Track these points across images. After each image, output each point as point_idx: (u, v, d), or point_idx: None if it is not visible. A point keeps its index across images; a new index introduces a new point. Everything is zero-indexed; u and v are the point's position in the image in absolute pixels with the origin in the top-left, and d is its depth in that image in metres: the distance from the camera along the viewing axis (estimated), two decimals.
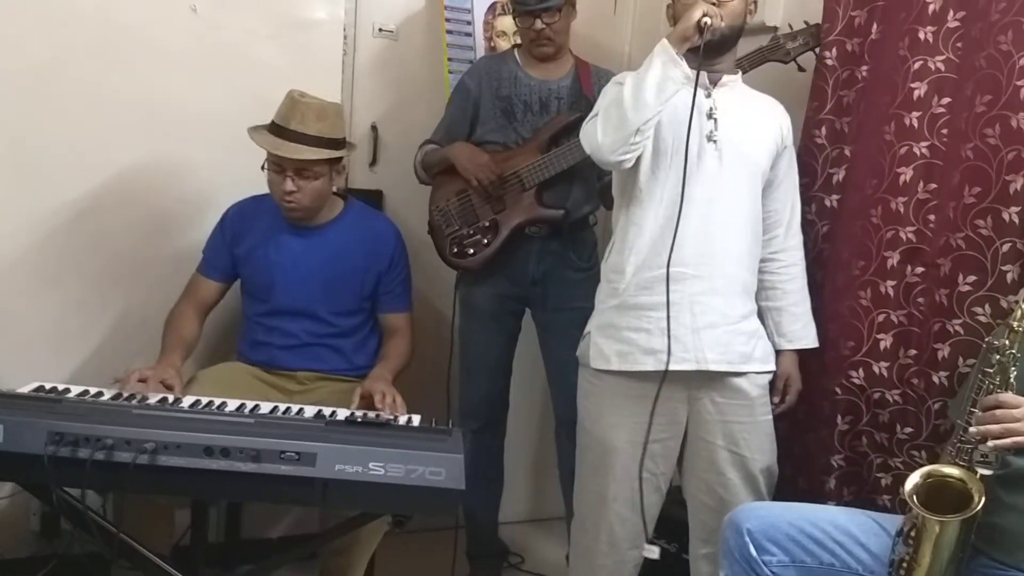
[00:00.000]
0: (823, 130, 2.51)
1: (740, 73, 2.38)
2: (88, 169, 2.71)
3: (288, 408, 2.20)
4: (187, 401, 2.19)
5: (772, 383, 2.36)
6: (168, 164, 2.80)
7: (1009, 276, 2.06)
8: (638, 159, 2.24)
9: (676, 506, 2.53)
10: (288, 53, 2.86)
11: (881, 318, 2.32)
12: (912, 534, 1.76)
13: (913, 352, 2.26)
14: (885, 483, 2.36)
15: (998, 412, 1.67)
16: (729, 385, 2.28)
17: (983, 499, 1.69)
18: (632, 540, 2.37)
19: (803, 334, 2.38)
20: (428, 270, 2.97)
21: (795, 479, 2.55)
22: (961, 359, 2.14)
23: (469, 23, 3.19)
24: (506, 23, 3.19)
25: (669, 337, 2.21)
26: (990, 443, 1.68)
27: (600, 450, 2.35)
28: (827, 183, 2.50)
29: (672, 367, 2.22)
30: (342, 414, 2.16)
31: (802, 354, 2.40)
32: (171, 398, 2.21)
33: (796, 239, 2.40)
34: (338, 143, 2.51)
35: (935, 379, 2.19)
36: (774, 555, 1.93)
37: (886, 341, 2.31)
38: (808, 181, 2.51)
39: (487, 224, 2.81)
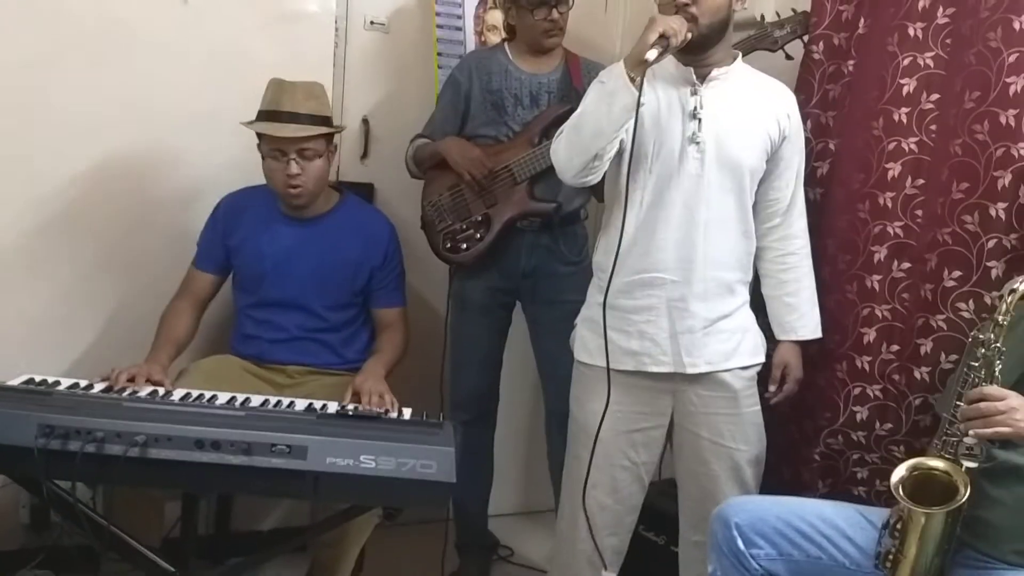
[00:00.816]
0: (808, 123, 2.51)
1: (736, 60, 2.30)
2: (78, 162, 2.70)
3: (279, 401, 2.20)
4: (178, 394, 2.19)
5: (764, 372, 2.36)
6: (158, 157, 2.79)
7: (994, 272, 2.08)
8: (618, 163, 2.24)
9: (664, 498, 2.55)
10: (279, 45, 2.85)
11: (866, 312, 2.33)
12: (898, 526, 1.78)
13: (896, 347, 2.28)
14: (861, 476, 2.38)
15: (982, 405, 1.69)
16: (713, 380, 2.29)
17: (968, 491, 1.71)
18: (611, 527, 2.39)
19: (798, 325, 2.36)
20: (420, 264, 2.97)
21: (779, 468, 2.57)
22: (943, 355, 2.16)
23: (459, 17, 3.19)
24: (496, 17, 3.19)
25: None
26: (971, 432, 1.70)
27: (584, 436, 2.37)
28: (812, 176, 2.51)
29: (650, 369, 2.28)
30: (333, 407, 2.16)
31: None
32: (162, 391, 2.20)
33: (796, 227, 2.36)
34: (330, 120, 2.54)
35: (916, 375, 2.21)
36: (762, 548, 1.95)
37: (870, 335, 2.32)
38: None
39: (479, 218, 2.81)
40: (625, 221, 2.24)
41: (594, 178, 2.22)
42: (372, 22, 3.14)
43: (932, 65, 2.25)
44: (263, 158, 2.50)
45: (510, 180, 2.77)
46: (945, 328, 2.15)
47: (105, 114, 2.70)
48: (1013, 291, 1.76)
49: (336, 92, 3.04)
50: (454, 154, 2.79)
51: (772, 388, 2.38)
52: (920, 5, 2.26)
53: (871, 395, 2.31)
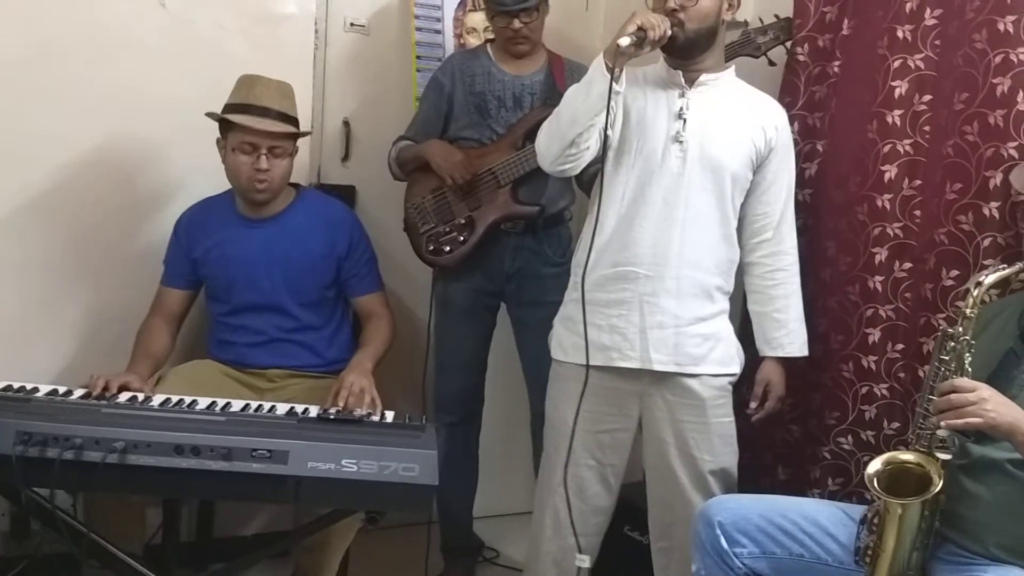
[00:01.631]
0: (795, 125, 2.52)
1: (725, 71, 2.33)
2: (56, 163, 2.68)
3: (260, 406, 2.19)
4: (157, 400, 2.17)
5: (738, 386, 2.36)
6: (137, 159, 2.78)
7: None
8: (603, 158, 2.25)
9: (635, 490, 2.55)
10: (259, 47, 2.84)
11: (870, 313, 2.34)
12: (875, 521, 1.79)
13: (900, 346, 2.29)
14: None
15: (953, 396, 1.70)
16: (680, 384, 2.29)
17: (942, 481, 1.72)
18: (577, 526, 2.37)
19: (785, 342, 2.34)
20: (403, 267, 2.96)
21: (774, 469, 2.57)
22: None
23: (439, 19, 3.18)
24: (476, 19, 3.18)
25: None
26: (942, 423, 1.71)
27: (554, 435, 2.39)
28: (800, 177, 2.51)
29: (618, 364, 2.28)
30: (314, 411, 2.15)
31: None
32: (141, 397, 2.19)
33: (786, 243, 2.35)
34: (298, 123, 2.53)
35: (921, 373, 2.22)
36: (745, 547, 1.95)
37: (874, 335, 2.34)
38: None
39: (463, 221, 2.80)
40: (604, 215, 2.26)
41: (571, 168, 2.24)
42: (352, 24, 3.13)
43: (923, 67, 2.26)
44: (228, 154, 2.48)
45: (494, 183, 2.77)
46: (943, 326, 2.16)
47: (83, 117, 2.68)
48: (979, 284, 1.78)
49: (316, 94, 3.03)
50: (437, 158, 2.78)
51: (753, 405, 2.37)
52: (908, 7, 2.27)
53: (878, 394, 2.33)
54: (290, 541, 2.67)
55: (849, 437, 2.40)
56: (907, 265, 2.28)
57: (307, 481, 1.88)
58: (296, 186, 2.69)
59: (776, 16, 2.60)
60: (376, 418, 2.20)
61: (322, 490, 1.90)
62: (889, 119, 2.30)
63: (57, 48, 2.63)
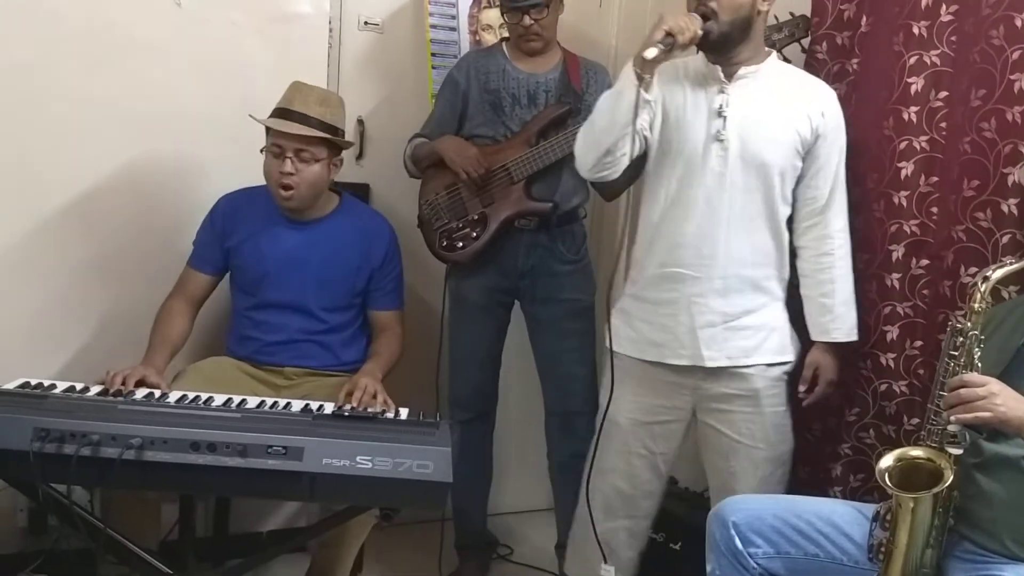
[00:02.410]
0: None
1: (765, 60, 2.28)
2: (73, 166, 2.69)
3: (275, 402, 2.20)
4: (173, 396, 2.18)
5: (792, 372, 2.35)
6: (153, 159, 2.79)
7: None
8: (644, 158, 2.27)
9: (665, 496, 2.55)
10: (273, 47, 2.85)
11: (887, 310, 2.33)
12: (888, 517, 1.79)
13: (919, 343, 2.28)
14: None
15: (963, 391, 1.70)
16: (733, 376, 2.29)
17: (953, 474, 1.72)
18: (627, 510, 2.42)
19: (831, 327, 2.31)
20: (417, 263, 2.96)
21: (795, 467, 2.56)
22: None
23: (454, 17, 3.19)
24: (491, 16, 3.19)
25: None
26: (952, 418, 1.71)
27: (606, 423, 2.40)
28: None
29: (670, 361, 2.30)
30: (329, 408, 2.16)
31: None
32: (157, 393, 2.20)
33: (833, 226, 2.30)
34: (338, 131, 2.52)
35: None
36: (759, 547, 1.95)
37: (892, 333, 2.33)
38: None
39: (476, 217, 2.81)
40: (649, 215, 2.28)
41: (610, 174, 2.24)
42: (366, 23, 3.14)
43: (939, 63, 2.24)
44: (265, 155, 2.49)
45: (507, 179, 2.77)
46: (952, 322, 2.15)
47: (100, 117, 2.69)
48: (986, 278, 1.78)
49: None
50: (451, 153, 2.78)
51: (802, 388, 2.35)
52: (923, 3, 2.26)
53: (897, 391, 2.32)
54: (305, 537, 2.68)
55: (871, 431, 2.39)
56: (924, 262, 2.27)
57: (322, 477, 1.89)
58: (339, 192, 2.69)
59: (791, 14, 2.58)
60: (391, 415, 2.20)
61: (337, 486, 1.91)
62: (905, 116, 2.29)
63: (71, 49, 2.64)
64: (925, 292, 2.27)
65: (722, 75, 2.24)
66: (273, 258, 2.56)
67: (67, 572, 2.54)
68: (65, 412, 1.91)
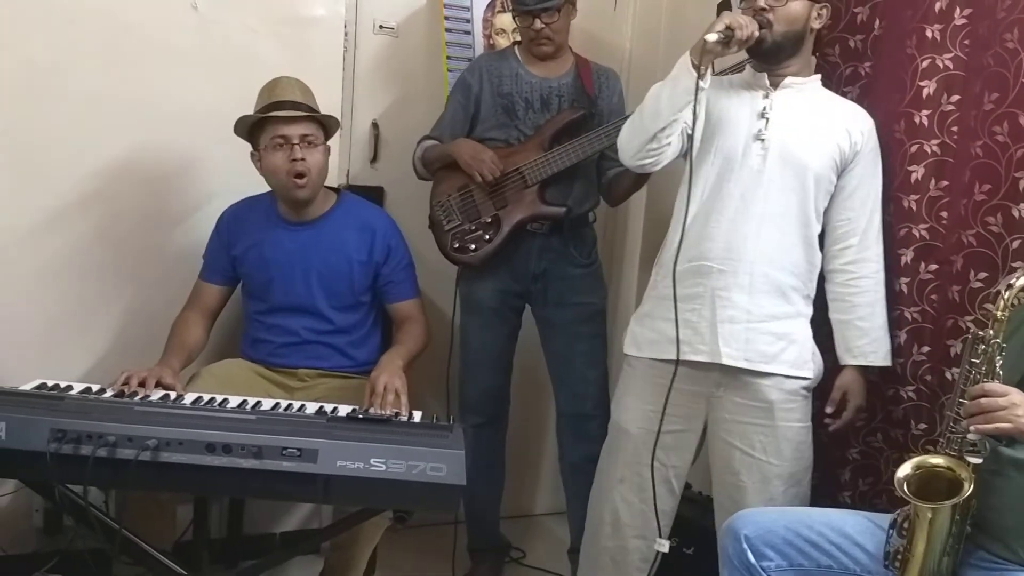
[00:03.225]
0: None
1: (812, 78, 2.33)
2: (90, 167, 2.72)
3: (290, 405, 2.20)
4: (189, 398, 2.20)
5: (817, 392, 2.32)
6: (169, 160, 2.81)
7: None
8: (687, 156, 2.28)
9: (683, 504, 2.54)
10: (289, 50, 2.86)
11: (895, 315, 2.32)
12: (905, 525, 1.78)
13: (927, 349, 2.27)
14: None
15: (983, 401, 1.68)
16: (749, 386, 2.27)
17: (972, 485, 1.70)
18: (638, 528, 2.39)
19: (868, 350, 2.28)
20: (428, 265, 2.97)
21: None
22: None
23: (468, 21, 3.19)
24: (505, 20, 3.19)
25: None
26: (971, 428, 1.69)
27: (615, 431, 2.41)
28: None
29: (688, 357, 2.27)
30: (344, 410, 2.17)
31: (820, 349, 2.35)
32: (173, 395, 2.21)
33: (872, 251, 2.29)
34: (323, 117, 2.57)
35: (948, 375, 2.20)
36: (772, 560, 1.93)
37: (900, 338, 2.31)
38: None
39: (489, 220, 2.81)
40: (686, 212, 2.27)
41: (651, 163, 2.26)
42: (381, 26, 3.15)
43: (951, 67, 2.24)
44: (263, 156, 2.50)
45: (521, 183, 2.78)
46: (974, 329, 2.13)
47: (116, 118, 2.71)
48: (1010, 286, 1.75)
49: (346, 96, 3.05)
50: (466, 155, 2.79)
51: (829, 410, 2.32)
52: (937, 7, 2.25)
53: (904, 396, 2.30)
54: (319, 539, 2.68)
55: (879, 435, 2.38)
56: (933, 267, 2.26)
57: (336, 480, 1.89)
58: (336, 190, 2.71)
59: None
60: (404, 418, 2.21)
61: (351, 489, 1.91)
62: (917, 119, 2.28)
63: (89, 51, 2.66)
64: (934, 297, 2.25)
65: (768, 83, 2.27)
66: (277, 262, 2.58)
67: (82, 572, 2.55)
68: (82, 413, 1.92)
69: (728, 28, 2.10)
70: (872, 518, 1.95)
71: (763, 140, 2.24)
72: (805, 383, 2.30)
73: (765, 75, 2.28)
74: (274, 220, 2.61)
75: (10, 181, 2.63)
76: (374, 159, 3.20)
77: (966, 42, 2.21)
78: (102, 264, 2.77)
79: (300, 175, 2.48)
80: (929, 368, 2.26)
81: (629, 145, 2.28)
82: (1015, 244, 2.06)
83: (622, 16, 3.47)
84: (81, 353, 2.76)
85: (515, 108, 2.83)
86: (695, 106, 2.14)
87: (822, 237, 2.32)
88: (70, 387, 2.15)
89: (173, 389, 2.26)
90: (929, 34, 2.26)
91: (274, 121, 2.47)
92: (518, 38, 2.96)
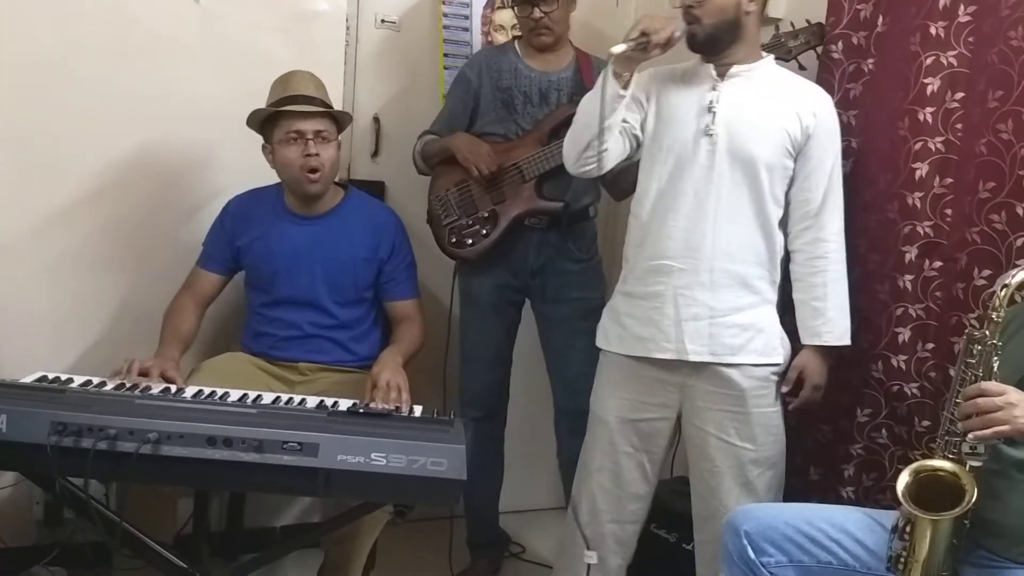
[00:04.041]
0: None
1: (761, 61, 2.31)
2: (93, 161, 2.71)
3: (290, 399, 2.21)
4: (190, 391, 2.20)
5: (782, 374, 2.34)
6: (171, 154, 2.80)
7: None
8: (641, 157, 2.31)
9: (675, 495, 2.56)
10: (291, 44, 2.86)
11: (899, 312, 2.33)
12: (908, 529, 1.76)
13: (931, 346, 2.27)
14: None
15: (980, 401, 1.65)
16: (719, 375, 2.29)
17: (975, 494, 1.68)
18: (612, 513, 2.43)
19: (823, 330, 2.29)
20: (427, 260, 2.97)
21: (806, 469, 2.56)
22: None
23: (467, 17, 3.19)
24: (504, 17, 3.19)
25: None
26: (971, 435, 1.66)
27: (593, 421, 2.45)
28: None
29: (655, 355, 2.31)
30: (344, 404, 2.17)
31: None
32: (174, 388, 2.21)
33: (828, 230, 2.29)
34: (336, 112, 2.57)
35: (952, 372, 2.19)
36: (772, 556, 1.93)
37: (904, 335, 2.32)
38: None
39: (486, 215, 2.81)
40: (640, 210, 2.33)
41: (591, 170, 2.29)
42: (383, 20, 3.15)
43: (955, 64, 2.23)
44: (276, 149, 2.50)
45: (519, 178, 2.78)
46: (968, 329, 2.13)
47: (119, 114, 2.71)
48: (1006, 286, 1.72)
49: (347, 90, 3.05)
50: (463, 150, 2.79)
51: (785, 389, 2.35)
52: (941, 4, 2.25)
53: (908, 393, 2.31)
54: (319, 533, 2.68)
55: (883, 431, 2.39)
56: (937, 264, 2.26)
57: (336, 474, 1.89)
58: (344, 186, 2.71)
59: (807, 21, 2.58)
60: (405, 412, 2.21)
61: (351, 483, 1.91)
62: (921, 116, 2.28)
63: (92, 46, 2.66)
64: (938, 294, 2.26)
65: (715, 73, 2.28)
66: (283, 255, 2.58)
67: (82, 565, 2.57)
68: (82, 406, 1.91)
69: (643, 35, 2.11)
70: (872, 515, 1.95)
71: (711, 135, 2.24)
72: (775, 368, 2.32)
73: (711, 66, 2.28)
74: (281, 213, 2.61)
75: (16, 175, 2.63)
76: (375, 153, 3.20)
77: (970, 39, 2.21)
78: (106, 258, 2.77)
79: (314, 170, 2.49)
80: (933, 365, 2.26)
81: (568, 154, 2.35)
82: (1019, 242, 2.06)
83: (624, 11, 3.46)
84: (82, 346, 2.75)
85: (514, 102, 2.83)
86: (606, 115, 2.19)
87: (784, 219, 2.33)
88: (71, 380, 2.15)
89: (175, 383, 2.26)
90: (933, 31, 2.26)
91: (288, 115, 2.47)
92: (517, 34, 2.96)
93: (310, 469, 1.89)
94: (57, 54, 2.62)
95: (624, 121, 2.29)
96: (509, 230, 2.81)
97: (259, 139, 2.55)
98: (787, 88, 2.32)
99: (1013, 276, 1.73)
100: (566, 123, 2.74)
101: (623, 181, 2.83)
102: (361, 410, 2.11)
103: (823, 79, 2.55)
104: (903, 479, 1.76)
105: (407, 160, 2.97)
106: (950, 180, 2.24)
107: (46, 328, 2.71)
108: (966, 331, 1.80)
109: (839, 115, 2.48)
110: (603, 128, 2.21)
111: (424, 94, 3.18)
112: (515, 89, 2.83)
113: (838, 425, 2.50)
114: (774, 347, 2.32)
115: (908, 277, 2.31)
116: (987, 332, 1.73)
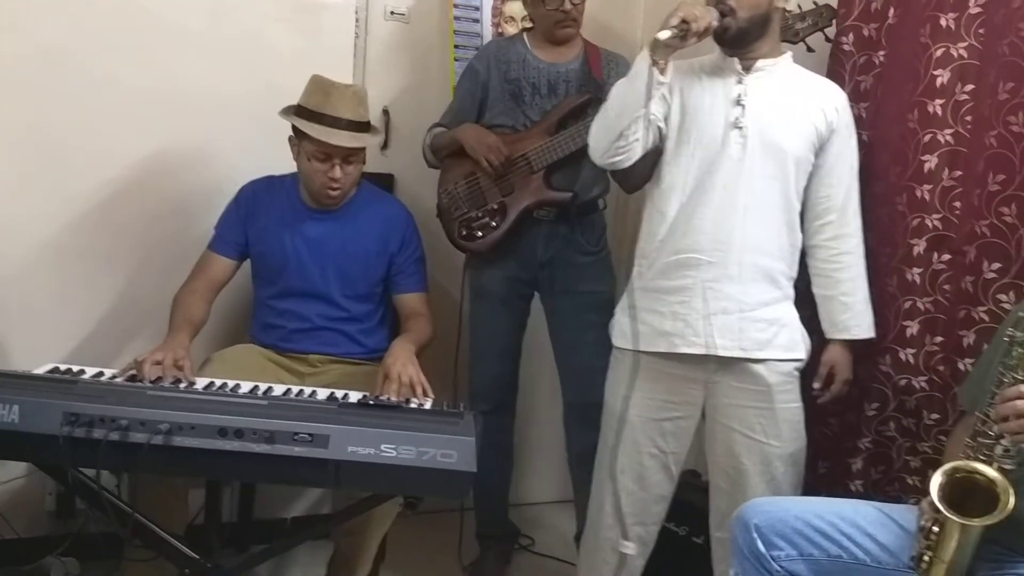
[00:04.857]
0: None
1: (782, 57, 2.32)
2: (102, 153, 2.72)
3: (301, 390, 2.21)
4: (201, 383, 2.20)
5: (805, 370, 2.33)
6: (180, 147, 2.81)
7: None
8: (661, 148, 2.28)
9: (687, 489, 2.55)
10: (301, 36, 2.86)
11: (907, 305, 2.32)
12: (935, 529, 1.72)
13: (939, 339, 2.26)
14: (914, 465, 2.35)
15: (1019, 403, 1.63)
16: (746, 371, 2.28)
17: (1012, 501, 1.63)
18: (638, 516, 2.41)
19: (851, 324, 2.31)
20: (437, 253, 2.98)
21: (814, 463, 2.56)
22: (986, 346, 2.12)
23: (477, 8, 3.19)
24: (515, 8, 3.19)
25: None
26: (1007, 438, 1.64)
27: (613, 422, 2.40)
28: None
29: (681, 350, 2.28)
30: (355, 396, 2.17)
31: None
32: (185, 380, 2.22)
33: (851, 226, 2.32)
34: (371, 126, 2.56)
35: (960, 366, 2.19)
36: (782, 550, 1.92)
37: (912, 328, 2.31)
38: None
39: (495, 207, 2.81)
40: (666, 204, 2.29)
41: (621, 160, 2.25)
42: (392, 12, 3.15)
43: (966, 56, 2.22)
44: (302, 155, 2.50)
45: (527, 169, 2.78)
46: (987, 320, 2.12)
47: (128, 105, 2.72)
48: None
49: (356, 82, 3.05)
50: (471, 140, 2.79)
51: (817, 385, 2.34)
52: None
53: (917, 386, 2.30)
54: (330, 524, 2.69)
55: (891, 424, 2.38)
56: (946, 257, 2.25)
57: (347, 465, 1.90)
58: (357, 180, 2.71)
59: (815, 2, 2.57)
60: (415, 404, 2.22)
61: (361, 474, 1.92)
62: (930, 108, 2.27)
63: (100, 36, 2.67)
64: (946, 287, 2.25)
65: (739, 67, 2.26)
66: (294, 247, 2.59)
67: (94, 556, 2.58)
68: (94, 397, 1.93)
69: (683, 22, 2.09)
70: (883, 508, 1.94)
71: (741, 128, 2.23)
72: (798, 364, 2.32)
73: (736, 60, 2.27)
74: (296, 205, 2.61)
75: (23, 169, 2.64)
76: (385, 146, 3.20)
77: (981, 31, 2.19)
78: (116, 251, 2.78)
79: (334, 189, 2.51)
80: (942, 358, 2.25)
81: (598, 145, 2.28)
82: None
83: (634, 4, 3.46)
84: (94, 338, 2.77)
85: (522, 94, 2.83)
86: (647, 103, 2.14)
87: (802, 214, 2.32)
88: (83, 371, 2.16)
89: (186, 366, 2.23)
90: (943, 23, 2.25)
91: (320, 137, 2.45)
92: (527, 25, 2.95)
93: (321, 460, 1.90)
94: (64, 44, 2.63)
95: (651, 113, 2.27)
96: (518, 222, 2.80)
97: (269, 129, 2.55)
98: (808, 83, 2.32)
99: None
100: (574, 114, 2.77)
101: (636, 174, 2.83)
102: (371, 402, 2.12)
103: (834, 71, 2.54)
104: (937, 479, 1.72)
105: (417, 153, 2.97)
106: (959, 173, 2.23)
107: (55, 320, 2.72)
108: (1008, 333, 1.74)
109: (850, 108, 2.48)
110: (642, 115, 2.17)
111: (434, 87, 3.18)
112: (523, 80, 2.83)
113: (845, 419, 2.50)
114: (797, 342, 2.31)
115: (916, 270, 2.30)
116: (1022, 333, 1.70)
